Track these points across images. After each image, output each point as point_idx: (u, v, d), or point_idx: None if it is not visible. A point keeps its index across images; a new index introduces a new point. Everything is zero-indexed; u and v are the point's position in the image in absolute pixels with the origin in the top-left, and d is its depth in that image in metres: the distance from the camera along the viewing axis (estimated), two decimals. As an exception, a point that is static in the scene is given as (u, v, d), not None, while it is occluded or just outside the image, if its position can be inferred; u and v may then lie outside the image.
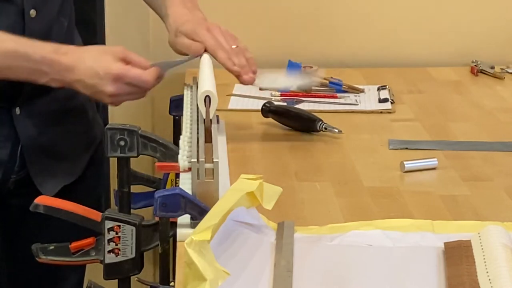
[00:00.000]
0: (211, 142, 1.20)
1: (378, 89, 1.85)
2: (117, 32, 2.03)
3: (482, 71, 1.99)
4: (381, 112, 1.73)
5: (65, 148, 1.54)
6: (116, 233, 1.21)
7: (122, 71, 1.33)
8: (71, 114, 1.54)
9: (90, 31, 2.25)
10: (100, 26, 2.09)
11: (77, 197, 1.34)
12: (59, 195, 1.45)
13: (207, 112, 1.24)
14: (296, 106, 1.72)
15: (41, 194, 1.41)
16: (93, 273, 1.50)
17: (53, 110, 1.50)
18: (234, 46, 1.45)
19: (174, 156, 1.23)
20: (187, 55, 1.46)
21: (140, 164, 1.47)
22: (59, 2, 1.47)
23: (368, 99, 1.79)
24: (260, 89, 1.79)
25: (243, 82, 1.44)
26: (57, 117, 1.50)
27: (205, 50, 1.44)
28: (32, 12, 1.40)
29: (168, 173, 1.42)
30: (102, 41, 2.07)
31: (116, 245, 1.22)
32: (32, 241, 1.32)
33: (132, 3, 1.95)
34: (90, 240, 1.24)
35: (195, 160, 1.15)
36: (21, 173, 1.49)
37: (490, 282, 0.98)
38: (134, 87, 1.35)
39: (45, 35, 1.40)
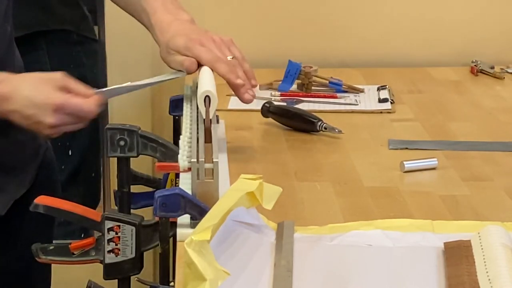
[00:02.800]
0: (211, 142, 1.20)
1: (378, 89, 1.85)
2: (117, 32, 2.04)
3: (482, 71, 1.99)
4: (381, 112, 1.73)
5: (11, 159, 1.46)
6: (116, 233, 1.21)
7: (63, 101, 1.26)
8: (16, 123, 1.46)
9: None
10: (100, 26, 2.10)
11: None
12: (12, 210, 1.42)
13: (207, 112, 1.24)
14: (296, 106, 1.72)
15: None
16: (93, 273, 1.50)
17: None
18: (230, 57, 1.39)
19: (174, 156, 1.23)
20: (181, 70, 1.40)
21: (140, 164, 1.47)
22: (4, 8, 1.39)
23: (368, 99, 1.79)
24: None
25: (243, 101, 1.38)
26: (1, 127, 1.40)
27: (200, 65, 1.37)
28: None
29: (168, 173, 1.42)
30: (102, 46, 2.08)
31: (116, 245, 1.22)
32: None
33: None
34: (90, 240, 1.24)
35: (195, 160, 1.15)
36: None
37: (490, 282, 0.98)
38: (76, 117, 1.28)
39: None
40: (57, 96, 1.25)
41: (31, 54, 2.10)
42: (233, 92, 1.83)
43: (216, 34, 1.41)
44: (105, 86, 2.08)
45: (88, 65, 2.24)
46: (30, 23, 2.09)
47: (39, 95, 1.25)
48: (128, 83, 1.37)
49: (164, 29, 1.40)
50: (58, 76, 1.28)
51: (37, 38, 2.16)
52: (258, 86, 1.84)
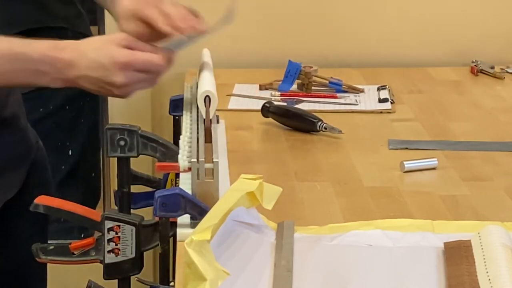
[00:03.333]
0: (211, 142, 1.20)
1: (378, 89, 1.85)
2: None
3: (482, 71, 1.99)
4: (381, 112, 1.73)
5: (1, 159, 1.40)
6: (116, 233, 1.21)
7: (130, 57, 1.21)
8: (4, 124, 1.41)
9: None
10: (100, 26, 2.10)
11: (23, 209, 1.29)
12: (3, 210, 1.39)
13: (207, 112, 1.24)
14: (296, 106, 1.72)
15: None
16: (93, 273, 1.50)
17: None
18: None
19: (174, 156, 1.23)
20: None
21: (140, 164, 1.47)
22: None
23: (368, 99, 1.79)
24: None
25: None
26: None
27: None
28: None
29: (168, 173, 1.42)
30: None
31: (116, 245, 1.22)
32: None
33: None
34: (90, 240, 1.24)
35: (195, 160, 1.15)
36: None
37: (490, 282, 0.98)
38: (146, 73, 1.23)
39: None
40: (123, 54, 1.22)
41: None
42: (233, 92, 1.84)
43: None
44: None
45: None
46: (24, 20, 2.09)
47: (104, 55, 1.21)
48: (186, 35, 1.29)
49: (122, 4, 1.33)
50: (120, 35, 1.25)
51: (32, 35, 2.15)
52: (258, 86, 1.85)
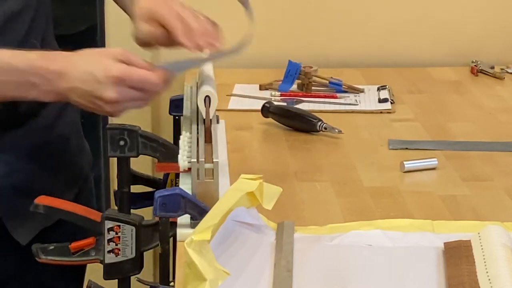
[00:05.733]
0: (211, 142, 1.20)
1: (378, 89, 1.85)
2: (119, 38, 2.04)
3: (482, 71, 1.99)
4: (381, 112, 1.73)
5: (42, 187, 1.32)
6: (116, 233, 1.21)
7: (125, 72, 1.14)
8: (51, 146, 1.36)
9: (90, 34, 2.27)
10: (101, 28, 2.09)
11: (61, 238, 1.26)
12: (36, 239, 1.32)
13: (207, 112, 1.24)
14: (296, 106, 1.72)
15: (14, 240, 1.32)
16: (93, 273, 1.50)
17: (28, 144, 1.32)
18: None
19: (174, 156, 1.23)
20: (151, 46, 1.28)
21: (140, 164, 1.47)
22: (27, 21, 1.29)
23: (368, 99, 1.79)
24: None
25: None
26: (33, 151, 1.31)
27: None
28: None
29: (168, 173, 1.42)
30: (102, 47, 2.08)
31: (116, 245, 1.22)
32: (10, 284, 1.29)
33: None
34: (90, 240, 1.24)
35: (195, 160, 1.15)
36: None
37: (490, 282, 0.98)
38: (139, 91, 1.16)
39: None
40: (118, 68, 1.14)
41: None
42: (233, 92, 1.84)
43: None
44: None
45: None
46: (82, 20, 2.10)
47: (98, 68, 1.14)
48: (190, 58, 1.26)
49: (140, 5, 1.29)
50: (118, 50, 1.17)
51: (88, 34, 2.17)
52: (258, 86, 1.85)
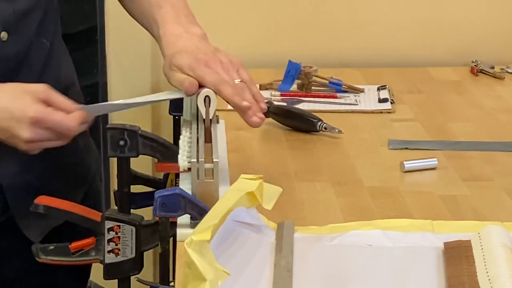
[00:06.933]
0: (211, 142, 1.20)
1: (378, 89, 1.85)
2: (119, 38, 2.04)
3: (482, 71, 1.99)
4: (381, 112, 1.73)
5: (53, 185, 1.36)
6: (116, 233, 1.21)
7: (41, 115, 1.15)
8: (61, 146, 1.33)
9: (91, 36, 2.26)
10: (101, 30, 2.09)
11: (70, 238, 1.27)
12: (48, 238, 1.35)
13: (207, 112, 1.24)
14: (296, 106, 1.72)
15: (26, 237, 1.34)
16: (93, 273, 1.50)
17: None
18: (238, 81, 1.26)
19: (174, 156, 1.23)
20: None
21: (140, 164, 1.47)
22: (37, 20, 1.31)
23: (368, 99, 1.79)
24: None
25: (251, 124, 1.23)
26: (44, 151, 1.29)
27: (201, 86, 1.24)
28: (3, 35, 1.25)
29: (168, 173, 1.42)
30: (102, 46, 2.07)
31: (116, 245, 1.22)
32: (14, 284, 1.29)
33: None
34: (90, 240, 1.24)
35: (195, 160, 1.15)
36: (3, 216, 1.34)
37: (490, 282, 0.98)
38: (55, 133, 1.17)
39: (22, 59, 1.29)
40: (35, 109, 1.15)
41: None
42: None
43: (226, 55, 1.29)
44: (105, 87, 2.09)
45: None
46: (80, 20, 2.10)
47: (17, 106, 1.15)
48: (118, 101, 1.29)
49: (171, 42, 1.30)
50: (40, 88, 1.18)
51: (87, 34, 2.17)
52: (258, 86, 1.85)
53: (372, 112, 1.73)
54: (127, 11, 1.44)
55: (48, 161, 1.35)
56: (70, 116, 1.17)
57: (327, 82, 1.85)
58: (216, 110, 1.28)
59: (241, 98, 1.22)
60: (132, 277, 1.26)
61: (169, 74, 1.27)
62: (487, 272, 1.00)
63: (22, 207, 1.32)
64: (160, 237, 1.15)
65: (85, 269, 1.51)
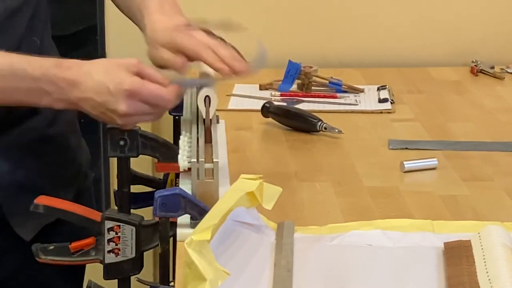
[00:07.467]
0: (211, 142, 1.20)
1: (378, 89, 1.85)
2: (119, 38, 2.03)
3: (482, 71, 1.99)
4: (381, 112, 1.73)
5: (45, 183, 1.35)
6: (116, 233, 1.21)
7: (138, 86, 1.14)
8: (51, 143, 1.37)
9: (91, 36, 2.27)
10: (101, 30, 2.09)
11: (62, 236, 1.26)
12: (39, 236, 1.34)
13: (207, 112, 1.24)
14: (296, 106, 1.72)
15: (18, 235, 1.33)
16: (93, 273, 1.50)
17: (29, 141, 1.32)
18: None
19: (174, 156, 1.23)
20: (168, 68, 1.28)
21: (140, 164, 1.47)
22: (27, 18, 1.29)
23: (368, 99, 1.79)
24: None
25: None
26: (35, 148, 1.32)
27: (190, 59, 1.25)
28: None
29: (168, 173, 1.42)
30: (102, 46, 2.07)
31: (116, 245, 1.22)
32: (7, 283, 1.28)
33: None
34: (90, 240, 1.24)
35: (195, 160, 1.15)
36: None
37: (490, 282, 0.98)
38: (151, 106, 1.16)
39: None
40: (131, 81, 1.14)
41: None
42: (233, 92, 1.84)
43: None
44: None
45: None
46: (81, 19, 2.10)
47: (112, 80, 1.14)
48: (199, 79, 1.29)
49: (155, 27, 1.29)
50: (132, 61, 1.17)
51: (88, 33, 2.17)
52: (258, 86, 1.85)
53: (372, 112, 1.73)
54: (115, 4, 1.45)
55: (39, 158, 1.34)
56: (167, 88, 1.16)
57: (327, 82, 1.85)
58: (216, 110, 1.28)
59: (221, 62, 1.23)
60: (132, 277, 1.26)
61: (154, 54, 1.26)
62: (487, 272, 1.00)
63: (13, 205, 1.31)
64: (160, 237, 1.15)
65: (80, 269, 1.51)
